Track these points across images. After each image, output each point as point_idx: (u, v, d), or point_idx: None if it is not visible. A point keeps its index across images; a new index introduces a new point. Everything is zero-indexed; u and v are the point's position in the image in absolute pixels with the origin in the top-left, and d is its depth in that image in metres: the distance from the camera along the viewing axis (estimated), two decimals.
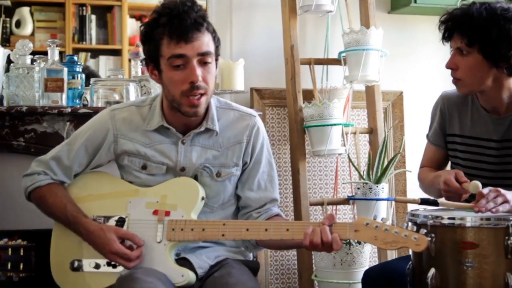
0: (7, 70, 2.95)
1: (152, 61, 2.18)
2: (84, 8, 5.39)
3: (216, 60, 2.20)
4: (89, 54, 5.38)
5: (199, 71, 2.11)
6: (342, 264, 3.00)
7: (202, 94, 2.13)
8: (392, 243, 1.91)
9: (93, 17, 5.40)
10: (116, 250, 2.13)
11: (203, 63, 2.13)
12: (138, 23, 5.54)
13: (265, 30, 3.54)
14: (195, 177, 2.24)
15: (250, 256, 2.39)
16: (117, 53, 5.45)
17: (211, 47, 2.14)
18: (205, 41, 2.12)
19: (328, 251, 2.01)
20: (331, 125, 3.16)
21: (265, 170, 2.32)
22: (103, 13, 5.46)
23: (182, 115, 2.18)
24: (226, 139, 2.27)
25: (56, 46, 2.97)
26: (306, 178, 3.22)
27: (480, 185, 2.10)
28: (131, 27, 5.50)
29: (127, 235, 2.16)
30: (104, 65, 5.41)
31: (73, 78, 3.02)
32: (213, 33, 2.17)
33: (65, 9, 5.30)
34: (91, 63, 5.36)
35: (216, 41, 2.18)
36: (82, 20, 5.38)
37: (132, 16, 5.53)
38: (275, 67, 3.47)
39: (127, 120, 2.28)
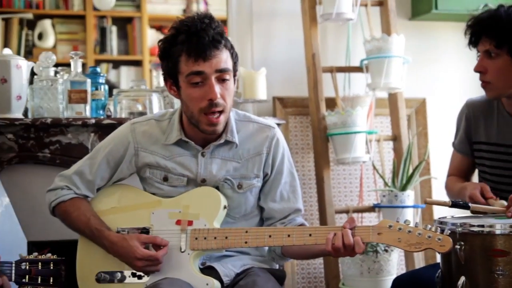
0: (30, 82, 2.96)
1: (171, 77, 2.18)
2: (105, 19, 5.45)
3: (234, 76, 2.20)
4: (110, 65, 5.43)
5: (217, 88, 2.11)
6: (370, 272, 2.98)
7: (220, 112, 2.14)
8: (416, 244, 1.89)
9: (114, 28, 5.45)
10: (142, 255, 2.12)
11: (221, 80, 2.13)
12: (158, 34, 5.58)
13: (286, 39, 3.55)
14: (217, 189, 2.24)
15: (276, 265, 2.38)
16: (138, 63, 5.49)
17: (229, 64, 2.14)
18: (223, 58, 2.12)
19: (351, 255, 2.00)
20: (355, 132, 3.15)
21: (287, 181, 2.30)
22: (124, 24, 5.51)
23: (201, 132, 2.18)
24: (246, 151, 2.26)
25: (79, 58, 2.99)
26: (330, 186, 3.21)
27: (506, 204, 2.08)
28: (151, 38, 5.55)
29: (149, 239, 2.16)
30: (125, 75, 5.45)
31: (96, 89, 3.03)
32: (231, 49, 2.17)
33: (86, 21, 5.35)
34: (112, 73, 5.41)
35: (234, 57, 2.18)
36: (103, 32, 5.43)
37: (152, 27, 5.58)
38: (297, 76, 3.48)
39: (147, 134, 2.28)
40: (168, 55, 2.15)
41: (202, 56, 2.08)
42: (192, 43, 2.08)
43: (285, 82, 3.50)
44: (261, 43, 3.51)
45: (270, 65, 3.39)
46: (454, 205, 2.09)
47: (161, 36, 5.55)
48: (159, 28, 5.60)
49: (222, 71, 2.11)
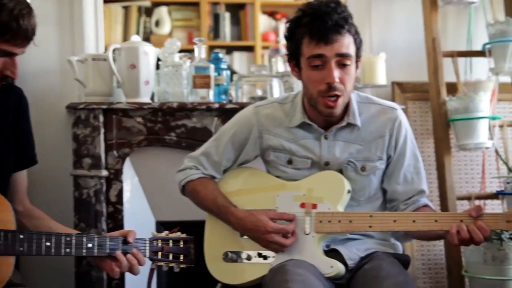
0: (156, 68, 3.06)
1: (294, 58, 2.22)
2: (218, 6, 5.53)
3: (357, 61, 2.20)
4: (224, 50, 5.51)
5: (336, 72, 2.12)
6: (494, 260, 2.92)
7: (338, 96, 2.15)
8: None
9: (227, 14, 5.53)
10: (272, 227, 2.16)
11: (342, 65, 2.14)
12: (270, 19, 5.63)
13: (405, 23, 3.50)
14: (340, 172, 2.25)
15: (400, 249, 2.37)
16: (250, 49, 5.54)
17: (351, 50, 2.14)
18: (345, 43, 2.13)
19: (477, 244, 1.99)
20: (478, 118, 3.10)
21: (410, 163, 2.29)
22: (236, 10, 5.58)
23: (318, 113, 2.20)
24: (368, 133, 2.26)
25: (203, 44, 3.06)
26: (451, 172, 3.16)
27: None
28: (263, 24, 5.59)
29: (277, 214, 2.20)
30: (238, 61, 5.53)
31: (219, 74, 3.10)
32: (355, 35, 2.17)
33: (200, 8, 5.45)
34: (225, 59, 5.48)
35: (358, 43, 2.18)
36: (216, 18, 5.52)
37: (264, 13, 5.61)
38: (416, 60, 3.43)
39: (271, 116, 2.33)
40: (292, 36, 2.19)
41: (324, 40, 2.11)
42: (315, 26, 2.11)
43: (404, 67, 3.46)
44: (380, 28, 3.48)
45: (389, 49, 3.36)
46: None
47: (273, 22, 5.61)
48: (271, 14, 5.65)
49: (343, 55, 2.13)
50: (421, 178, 2.31)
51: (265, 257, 2.22)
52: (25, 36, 1.86)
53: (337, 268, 2.13)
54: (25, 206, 2.16)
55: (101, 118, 2.92)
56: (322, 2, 2.14)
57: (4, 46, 1.85)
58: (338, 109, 2.18)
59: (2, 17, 1.81)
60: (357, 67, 2.20)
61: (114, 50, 2.93)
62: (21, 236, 1.91)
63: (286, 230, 2.16)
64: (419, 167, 2.31)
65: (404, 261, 2.27)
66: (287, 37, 2.23)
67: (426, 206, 2.28)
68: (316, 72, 2.15)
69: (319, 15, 2.11)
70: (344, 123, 2.24)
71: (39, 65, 3.02)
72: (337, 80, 2.12)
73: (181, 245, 2.14)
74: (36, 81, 3.04)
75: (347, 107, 2.24)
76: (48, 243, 1.94)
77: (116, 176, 2.94)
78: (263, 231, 2.18)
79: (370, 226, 2.12)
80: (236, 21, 5.59)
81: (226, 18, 5.54)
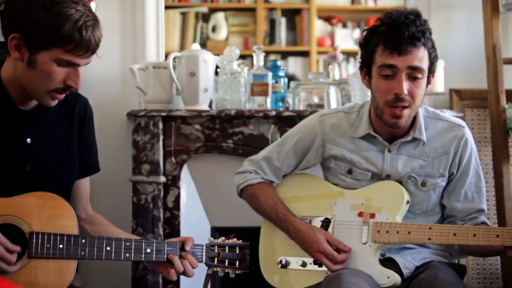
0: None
1: (366, 66, 2.22)
2: (275, 11, 5.56)
3: (429, 76, 2.19)
4: (279, 55, 5.54)
5: (406, 84, 2.11)
6: None
7: (405, 107, 2.14)
8: None
9: (283, 20, 5.56)
10: (324, 249, 2.19)
11: (413, 78, 2.13)
12: (326, 24, 5.63)
13: (465, 29, 3.46)
14: (399, 183, 2.24)
15: (455, 259, 2.36)
16: (305, 54, 5.55)
17: (424, 64, 2.13)
18: (419, 56, 2.12)
19: None
20: None
21: (472, 181, 2.27)
22: (292, 15, 5.60)
23: (383, 124, 2.20)
24: (433, 149, 2.25)
25: (262, 52, 3.08)
26: (510, 180, 3.11)
27: None
28: (319, 29, 5.59)
29: (334, 241, 2.21)
30: (293, 66, 5.55)
31: (276, 82, 3.11)
32: (431, 49, 2.15)
33: (256, 13, 5.48)
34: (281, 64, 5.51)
35: (432, 58, 2.16)
36: (272, 23, 5.55)
37: (320, 17, 5.61)
38: (475, 67, 3.38)
39: (336, 126, 2.33)
40: (367, 44, 2.20)
41: (397, 50, 2.10)
42: (391, 35, 2.11)
43: (462, 74, 3.41)
44: (439, 34, 3.38)
45: (448, 56, 3.32)
46: None
47: (329, 27, 5.61)
48: (326, 19, 5.65)
49: (415, 68, 2.12)
50: (482, 197, 2.29)
51: (320, 265, 2.23)
52: (87, 47, 1.89)
53: (394, 278, 2.13)
54: (87, 213, 2.21)
55: (161, 125, 2.97)
56: (402, 13, 2.13)
57: (67, 56, 1.89)
58: (403, 121, 2.17)
59: (66, 28, 1.85)
60: (428, 82, 2.19)
61: (174, 58, 2.98)
62: (83, 241, 1.96)
63: (335, 258, 2.18)
64: (480, 186, 2.29)
65: (459, 270, 2.25)
66: (361, 45, 2.24)
67: (484, 223, 2.27)
68: (386, 81, 2.14)
69: (396, 25, 2.11)
70: (409, 138, 2.23)
71: (101, 73, 3.09)
72: (405, 92, 2.11)
73: (237, 251, 2.17)
74: (98, 88, 3.10)
75: (413, 121, 2.23)
76: (108, 248, 1.99)
77: (173, 182, 2.99)
78: (315, 248, 2.21)
79: (429, 239, 2.12)
80: (291, 26, 5.61)
81: (282, 23, 5.56)
